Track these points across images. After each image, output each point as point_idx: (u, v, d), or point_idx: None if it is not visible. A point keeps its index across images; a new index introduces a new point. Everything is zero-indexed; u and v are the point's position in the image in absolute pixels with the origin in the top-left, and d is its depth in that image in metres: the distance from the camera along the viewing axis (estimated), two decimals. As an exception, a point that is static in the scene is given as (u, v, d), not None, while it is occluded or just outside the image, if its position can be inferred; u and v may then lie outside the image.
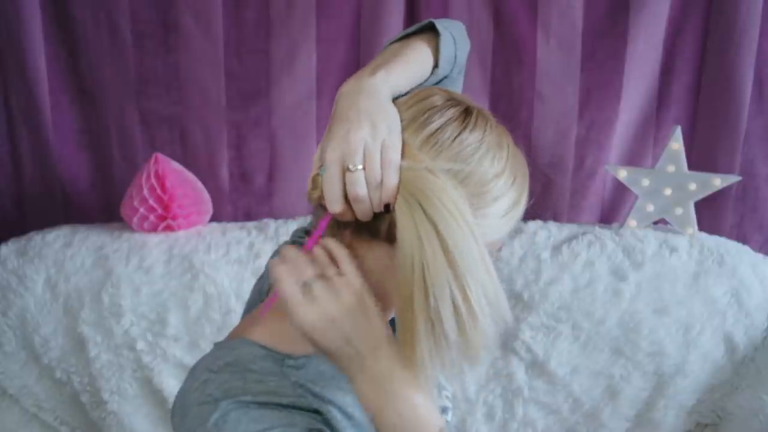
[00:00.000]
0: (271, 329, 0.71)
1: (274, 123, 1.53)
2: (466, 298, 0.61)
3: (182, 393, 0.68)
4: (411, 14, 1.50)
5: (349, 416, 0.70)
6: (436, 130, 0.66)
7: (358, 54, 1.52)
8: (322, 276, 0.64)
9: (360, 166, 0.62)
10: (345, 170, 0.62)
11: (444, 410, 0.83)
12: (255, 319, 0.74)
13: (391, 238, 0.64)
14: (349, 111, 0.64)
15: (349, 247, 0.67)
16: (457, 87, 0.87)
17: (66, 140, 1.55)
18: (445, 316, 0.60)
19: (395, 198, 0.63)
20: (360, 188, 0.62)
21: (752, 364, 1.33)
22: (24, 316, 1.31)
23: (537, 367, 1.35)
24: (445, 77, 0.81)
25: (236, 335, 0.73)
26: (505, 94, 1.53)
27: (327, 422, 0.68)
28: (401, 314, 0.62)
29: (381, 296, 0.66)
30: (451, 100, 0.69)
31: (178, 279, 1.34)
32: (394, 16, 1.46)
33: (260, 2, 1.47)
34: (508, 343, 1.36)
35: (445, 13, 1.48)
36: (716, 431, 1.35)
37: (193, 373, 0.69)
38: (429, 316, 0.60)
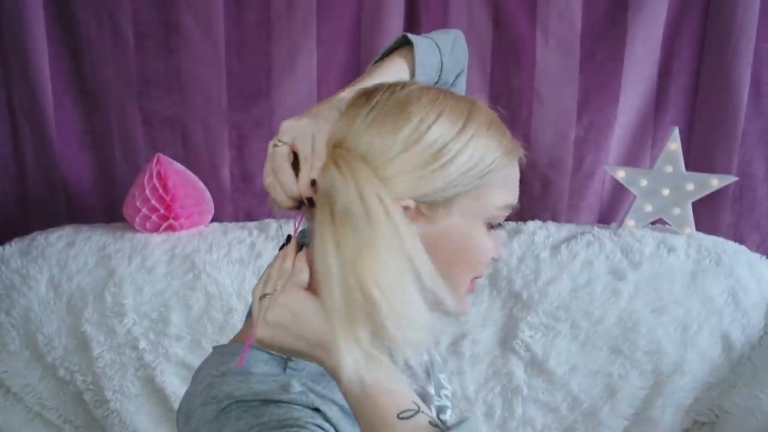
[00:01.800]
0: None
1: (275, 124, 1.54)
2: (368, 298, 0.60)
3: (187, 397, 0.70)
4: (411, 16, 1.51)
5: (348, 414, 0.71)
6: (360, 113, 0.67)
7: (358, 55, 1.52)
8: (273, 289, 0.65)
9: (281, 142, 0.65)
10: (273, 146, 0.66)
11: (442, 409, 0.83)
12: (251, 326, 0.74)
13: None
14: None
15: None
16: (458, 90, 0.88)
17: (69, 141, 1.56)
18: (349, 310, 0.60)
19: (311, 191, 0.64)
20: (270, 162, 0.65)
21: (749, 363, 1.34)
22: (27, 316, 1.32)
23: (536, 366, 1.36)
24: (436, 84, 0.82)
25: (239, 339, 0.74)
26: (504, 95, 1.54)
27: (328, 419, 0.68)
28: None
29: None
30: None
31: (180, 278, 1.35)
32: (394, 18, 1.47)
33: (261, 4, 1.48)
34: (507, 342, 1.37)
35: (444, 14, 1.49)
36: (713, 429, 1.36)
37: (197, 377, 0.70)
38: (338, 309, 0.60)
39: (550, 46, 1.49)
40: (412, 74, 0.80)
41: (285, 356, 0.70)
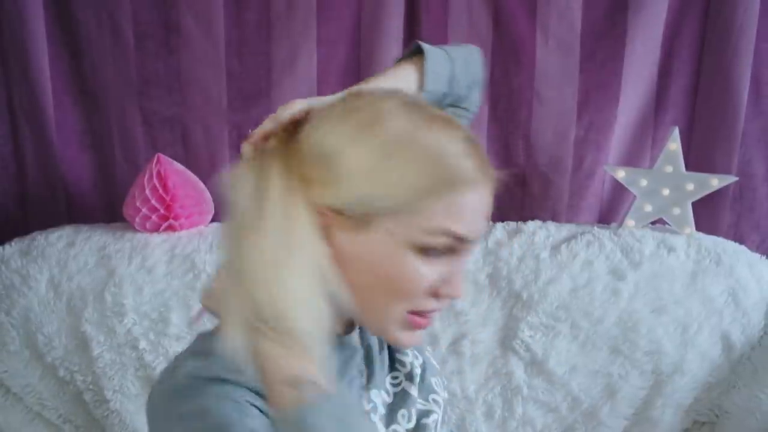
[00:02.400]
0: None
1: (275, 124, 1.54)
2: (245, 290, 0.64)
3: (156, 383, 0.74)
4: (411, 15, 1.51)
5: None
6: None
7: (358, 55, 1.52)
8: None
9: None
10: None
11: (426, 414, 0.84)
12: None
13: None
14: None
15: None
16: (472, 103, 0.89)
17: (69, 141, 1.56)
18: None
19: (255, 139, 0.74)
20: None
21: (749, 363, 1.34)
22: (27, 316, 1.32)
23: (536, 366, 1.36)
24: (447, 95, 0.84)
25: (216, 328, 0.78)
26: (504, 95, 1.54)
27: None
28: None
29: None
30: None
31: (180, 278, 1.35)
32: (394, 18, 1.47)
33: (261, 4, 1.48)
34: (507, 342, 1.37)
35: (445, 14, 1.49)
36: (713, 429, 1.36)
37: (168, 364, 0.74)
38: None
39: (550, 46, 1.49)
40: (421, 83, 0.79)
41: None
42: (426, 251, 0.67)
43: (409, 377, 0.86)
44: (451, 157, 0.66)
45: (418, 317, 0.71)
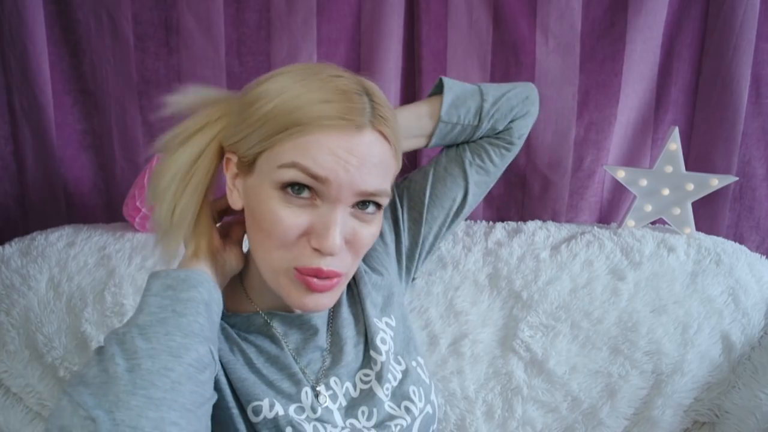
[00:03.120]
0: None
1: (275, 124, 1.54)
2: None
3: None
4: (411, 16, 1.51)
5: (255, 371, 0.84)
6: None
7: (358, 55, 1.52)
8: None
9: None
10: None
11: (391, 418, 0.87)
12: None
13: None
14: None
15: None
16: (512, 134, 1.00)
17: (69, 141, 1.56)
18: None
19: None
20: None
21: (749, 363, 1.34)
22: (27, 316, 1.32)
23: (536, 366, 1.36)
24: (477, 127, 0.91)
25: None
26: (505, 95, 1.54)
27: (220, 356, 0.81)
28: None
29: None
30: None
31: (180, 278, 1.35)
32: (394, 18, 1.47)
33: (261, 3, 1.48)
34: (507, 342, 1.37)
35: (445, 14, 1.49)
36: (713, 429, 1.36)
37: None
38: None
39: (550, 45, 1.49)
40: (437, 117, 0.86)
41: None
42: (285, 190, 0.75)
43: (378, 378, 0.87)
44: (307, 102, 0.75)
45: (308, 276, 0.76)
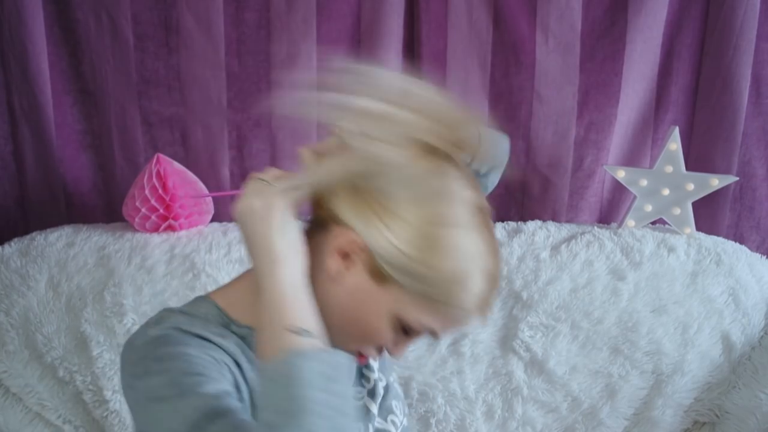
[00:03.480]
0: (232, 295, 0.80)
1: (275, 123, 1.54)
2: None
3: (138, 331, 0.76)
4: (411, 15, 1.51)
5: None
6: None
7: (358, 55, 1.52)
8: (267, 180, 0.73)
9: None
10: None
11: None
12: (225, 285, 0.84)
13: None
14: None
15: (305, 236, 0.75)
16: (487, 182, 0.97)
17: (68, 141, 1.55)
18: None
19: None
20: None
21: (749, 363, 1.34)
22: (27, 316, 1.32)
23: (536, 366, 1.36)
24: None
25: (205, 295, 0.82)
26: (504, 95, 1.54)
27: (243, 374, 0.74)
28: None
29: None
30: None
31: (180, 278, 1.35)
32: (394, 18, 1.47)
33: (261, 3, 1.48)
34: (507, 342, 1.37)
35: (444, 14, 1.49)
36: (714, 429, 1.36)
37: (151, 318, 0.78)
38: None
39: (550, 46, 1.49)
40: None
41: (231, 318, 0.78)
42: (401, 327, 0.73)
43: (371, 394, 0.89)
44: (476, 292, 0.71)
45: (359, 356, 0.78)
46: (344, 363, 0.64)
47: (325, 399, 0.60)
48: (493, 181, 0.96)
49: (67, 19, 1.49)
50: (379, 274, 0.70)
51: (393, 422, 0.90)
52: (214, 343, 0.72)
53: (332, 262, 0.71)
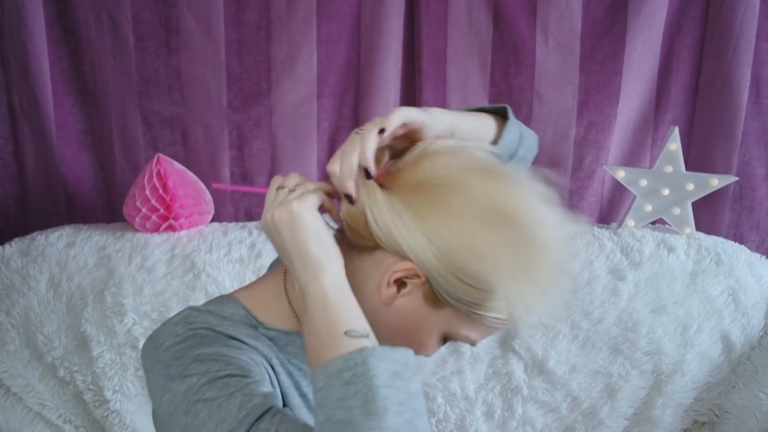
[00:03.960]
0: (258, 296, 0.78)
1: (275, 123, 1.54)
2: None
3: (161, 324, 0.75)
4: (411, 15, 1.51)
5: (302, 395, 0.77)
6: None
7: (358, 55, 1.52)
8: (294, 188, 0.70)
9: (361, 130, 0.69)
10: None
11: None
12: (249, 285, 0.82)
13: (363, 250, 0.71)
14: None
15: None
16: None
17: (69, 141, 1.56)
18: None
19: (355, 190, 0.69)
20: (348, 146, 0.69)
21: (749, 363, 1.34)
22: (27, 315, 1.32)
23: (536, 366, 1.36)
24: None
25: (228, 294, 0.80)
26: (504, 95, 1.54)
27: (277, 376, 0.74)
28: None
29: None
30: None
31: (180, 278, 1.35)
32: (394, 18, 1.47)
33: (261, 3, 1.48)
34: (507, 341, 1.37)
35: (445, 14, 1.49)
36: (713, 429, 1.36)
37: (175, 316, 0.75)
38: None
39: (550, 46, 1.49)
40: (495, 141, 0.82)
41: (260, 320, 0.76)
42: (446, 338, 0.76)
43: None
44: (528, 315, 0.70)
45: None
46: (411, 359, 0.64)
47: (401, 397, 0.61)
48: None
49: (68, 19, 1.49)
50: (434, 299, 0.70)
51: None
52: (249, 344, 0.72)
53: (387, 290, 0.71)
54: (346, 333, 0.64)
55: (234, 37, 1.50)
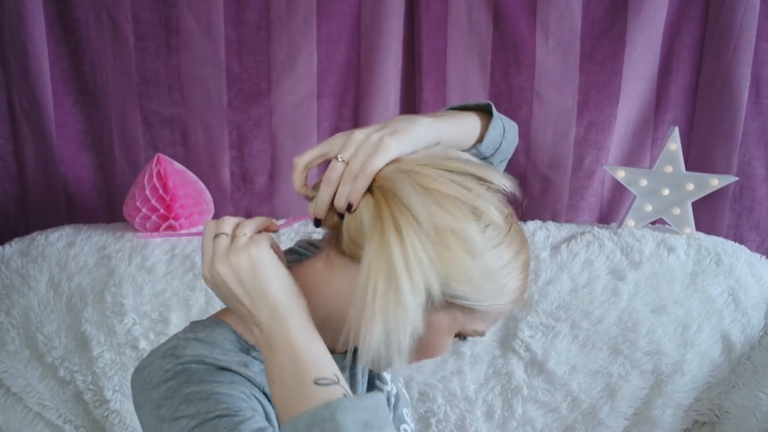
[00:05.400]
0: None
1: (275, 123, 1.54)
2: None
3: (149, 354, 0.73)
4: (411, 15, 1.51)
5: None
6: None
7: (358, 55, 1.52)
8: (234, 235, 0.68)
9: (344, 159, 0.68)
10: (335, 157, 0.68)
11: None
12: None
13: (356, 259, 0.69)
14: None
15: (332, 263, 0.72)
16: None
17: (69, 141, 1.56)
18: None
19: (358, 200, 0.68)
20: (334, 174, 0.68)
21: (749, 363, 1.34)
22: (27, 315, 1.32)
23: (536, 366, 1.36)
24: (486, 158, 0.85)
25: (214, 316, 0.78)
26: (504, 95, 1.54)
27: (270, 402, 0.71)
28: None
29: (344, 318, 0.69)
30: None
31: (180, 278, 1.35)
32: (394, 18, 1.47)
33: (261, 3, 1.48)
34: (507, 342, 1.37)
35: (445, 14, 1.49)
36: (713, 429, 1.36)
37: (166, 341, 0.73)
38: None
39: (550, 45, 1.49)
40: (479, 141, 0.82)
41: (250, 344, 0.74)
42: (457, 336, 0.75)
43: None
44: (517, 291, 0.75)
45: None
46: (382, 405, 0.63)
47: None
48: (503, 166, 0.95)
49: (68, 19, 1.49)
50: (444, 304, 0.69)
51: (405, 431, 0.88)
52: (240, 374, 0.70)
53: None
54: (315, 382, 0.63)
55: (234, 37, 1.50)
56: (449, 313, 0.71)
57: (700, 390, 1.35)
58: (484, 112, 0.84)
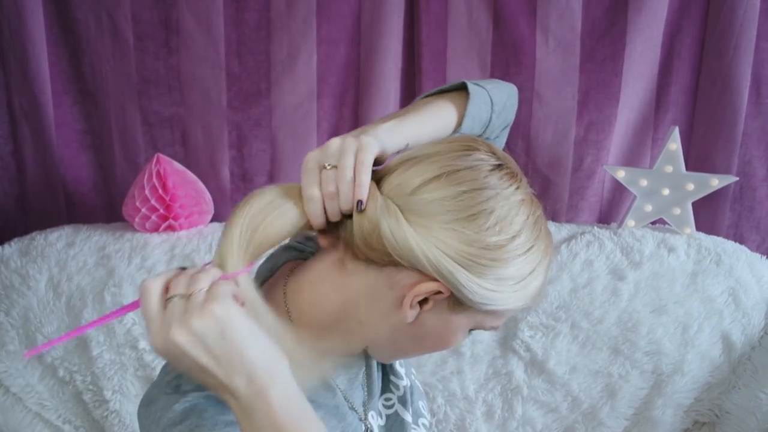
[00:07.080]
0: None
1: (275, 123, 1.54)
2: None
3: (153, 385, 0.70)
4: (411, 15, 1.51)
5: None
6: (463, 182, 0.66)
7: (358, 55, 1.52)
8: (189, 294, 0.57)
9: (331, 164, 0.64)
10: (321, 170, 0.65)
11: None
12: None
13: (383, 264, 0.67)
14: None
15: (344, 267, 0.69)
16: (499, 144, 0.89)
17: (68, 141, 1.56)
18: None
19: (367, 196, 0.65)
20: (331, 185, 0.64)
21: (749, 363, 1.34)
22: (27, 316, 1.32)
23: (536, 366, 1.36)
24: (480, 136, 0.83)
25: None
26: (505, 95, 1.54)
27: None
28: None
29: (357, 322, 0.69)
30: (490, 154, 0.70)
31: (180, 278, 1.35)
32: (394, 18, 1.47)
33: (261, 3, 1.48)
34: (507, 342, 1.37)
35: (445, 14, 1.49)
36: (714, 429, 1.36)
37: (166, 368, 0.71)
38: None
39: (550, 45, 1.49)
40: (459, 124, 0.79)
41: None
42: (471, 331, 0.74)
43: (403, 401, 0.86)
44: (536, 291, 0.72)
45: None
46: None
47: None
48: (504, 139, 0.91)
49: (67, 19, 1.49)
50: (459, 305, 0.68)
51: (424, 425, 0.87)
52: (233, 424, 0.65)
53: (411, 311, 0.67)
54: None
55: (234, 37, 1.50)
56: (470, 315, 0.70)
57: (700, 390, 1.35)
58: (465, 90, 0.81)
